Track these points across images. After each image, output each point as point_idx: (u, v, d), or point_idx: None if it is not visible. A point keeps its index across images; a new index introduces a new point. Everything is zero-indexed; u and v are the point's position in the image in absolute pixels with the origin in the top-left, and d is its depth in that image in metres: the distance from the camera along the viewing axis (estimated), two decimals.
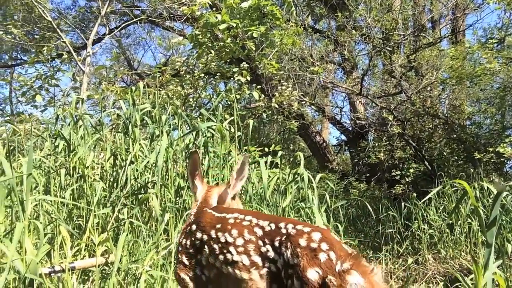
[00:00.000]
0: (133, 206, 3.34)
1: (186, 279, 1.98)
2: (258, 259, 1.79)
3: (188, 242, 2.03)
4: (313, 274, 1.63)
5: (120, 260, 2.75)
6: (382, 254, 6.39)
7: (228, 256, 1.83)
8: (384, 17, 9.45)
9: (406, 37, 9.99)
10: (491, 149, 7.18)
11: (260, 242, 1.81)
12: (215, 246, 1.89)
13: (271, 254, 1.77)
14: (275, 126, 14.74)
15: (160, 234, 3.15)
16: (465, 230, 6.06)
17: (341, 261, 1.63)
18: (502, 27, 8.88)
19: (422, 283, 5.60)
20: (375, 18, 9.44)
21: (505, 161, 8.03)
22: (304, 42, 10.75)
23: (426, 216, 6.64)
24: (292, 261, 1.68)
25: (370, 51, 10.02)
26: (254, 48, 7.77)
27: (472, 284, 2.40)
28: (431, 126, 10.05)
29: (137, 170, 3.55)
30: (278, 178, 4.14)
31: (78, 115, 3.93)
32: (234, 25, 6.86)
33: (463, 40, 10.90)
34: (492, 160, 7.26)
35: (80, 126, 3.90)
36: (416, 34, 10.20)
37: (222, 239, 1.88)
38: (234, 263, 1.81)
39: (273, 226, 1.84)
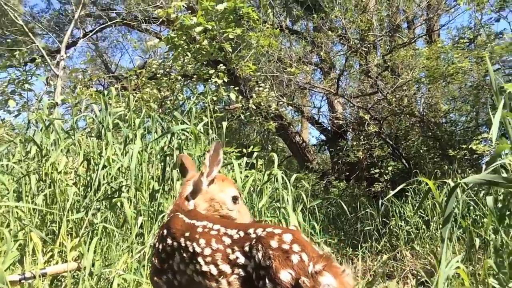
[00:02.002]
0: (106, 210, 3.32)
1: (159, 283, 1.98)
2: (226, 268, 1.79)
3: (161, 247, 2.02)
4: (286, 276, 1.63)
5: (93, 265, 2.73)
6: (361, 251, 6.46)
7: (197, 266, 1.83)
8: (359, 18, 9.57)
9: (381, 37, 10.13)
10: (464, 146, 7.33)
11: (229, 250, 1.81)
12: (185, 255, 1.89)
13: (241, 260, 1.77)
14: (255, 127, 14.77)
15: (134, 238, 3.13)
16: (440, 226, 6.16)
17: (314, 263, 1.64)
18: (475, 26, 9.10)
19: (399, 279, 5.68)
20: (350, 19, 9.56)
21: (480, 158, 8.21)
22: (281, 43, 10.82)
23: (403, 213, 6.74)
24: (264, 263, 1.69)
25: (346, 52, 10.14)
26: (230, 50, 7.78)
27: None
28: (407, 124, 10.22)
29: (110, 174, 3.52)
30: (253, 179, 4.15)
31: (50, 120, 3.88)
32: (210, 27, 6.86)
33: (438, 40, 11.11)
34: (467, 157, 7.42)
35: (52, 131, 3.84)
36: (391, 34, 10.36)
37: (191, 249, 1.87)
38: (203, 273, 1.82)
39: (241, 233, 1.84)
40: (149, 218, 3.39)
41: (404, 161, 9.79)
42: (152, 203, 3.52)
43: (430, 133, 9.26)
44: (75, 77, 8.56)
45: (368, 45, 9.95)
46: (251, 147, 6.82)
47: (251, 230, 1.83)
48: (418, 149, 9.98)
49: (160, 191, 3.57)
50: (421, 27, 11.77)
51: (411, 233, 6.41)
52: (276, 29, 8.74)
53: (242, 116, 8.60)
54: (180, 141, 3.89)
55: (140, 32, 13.40)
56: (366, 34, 9.37)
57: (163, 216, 3.54)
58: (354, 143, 11.12)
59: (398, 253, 6.33)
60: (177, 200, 2.27)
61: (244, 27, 7.74)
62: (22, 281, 2.45)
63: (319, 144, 13.85)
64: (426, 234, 6.30)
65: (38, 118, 4.05)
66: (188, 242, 1.90)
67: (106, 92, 4.51)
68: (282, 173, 3.74)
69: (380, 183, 10.13)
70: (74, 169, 3.81)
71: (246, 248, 1.78)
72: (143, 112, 4.10)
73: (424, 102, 10.45)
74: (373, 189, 10.03)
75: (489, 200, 2.76)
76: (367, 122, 9.63)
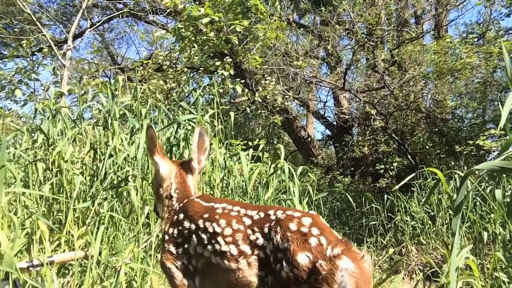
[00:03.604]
0: (113, 199, 3.31)
1: (172, 268, 1.96)
2: (246, 248, 1.78)
3: (176, 231, 2.00)
4: (303, 258, 1.62)
5: (100, 253, 2.73)
6: (366, 246, 6.46)
7: (216, 246, 1.83)
8: (368, 12, 9.49)
9: (389, 32, 10.05)
10: (471, 142, 7.28)
11: (249, 231, 1.81)
12: (203, 236, 1.88)
13: (260, 241, 1.77)
14: (260, 121, 14.74)
15: (140, 227, 3.12)
16: (446, 222, 6.14)
17: (332, 246, 1.62)
18: (483, 22, 9.00)
19: (405, 274, 5.67)
20: (358, 13, 9.48)
21: (487, 154, 8.16)
22: (288, 37, 10.76)
23: (409, 208, 6.72)
24: (282, 246, 1.68)
25: (353, 46, 10.07)
26: (237, 42, 7.74)
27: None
28: (413, 120, 10.16)
29: (116, 163, 3.51)
30: (260, 171, 4.14)
31: (57, 109, 3.87)
32: (217, 19, 6.82)
33: (445, 35, 11.01)
34: (473, 153, 7.37)
35: (59, 120, 3.84)
36: (399, 29, 10.27)
37: (210, 229, 1.87)
38: (222, 253, 1.81)
39: (262, 214, 1.84)
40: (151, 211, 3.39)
41: (410, 157, 9.74)
42: None
43: (436, 129, 9.19)
44: (81, 68, 8.56)
45: (376, 40, 9.88)
46: (257, 140, 6.81)
47: (271, 212, 1.83)
48: (424, 145, 9.93)
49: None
50: (429, 22, 11.67)
51: (417, 228, 6.39)
52: (283, 22, 8.67)
53: (248, 110, 8.57)
54: (186, 131, 3.87)
55: (146, 24, 13.38)
56: (374, 28, 9.29)
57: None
58: (360, 138, 11.08)
59: (403, 248, 6.32)
60: (179, 186, 2.24)
61: (251, 19, 7.69)
62: (30, 268, 2.45)
63: (324, 139, 13.81)
64: (432, 229, 6.28)
65: (45, 106, 4.04)
66: (207, 223, 1.90)
67: (112, 81, 4.49)
68: (288, 165, 3.72)
69: (385, 179, 10.09)
70: (80, 159, 3.80)
71: (266, 230, 1.77)
72: (150, 102, 4.08)
73: (431, 98, 10.38)
74: (378, 185, 10.00)
75: (498, 193, 2.73)
76: (373, 117, 9.58)
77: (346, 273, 1.53)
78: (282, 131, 13.27)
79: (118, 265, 2.82)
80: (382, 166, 10.32)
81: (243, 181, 3.77)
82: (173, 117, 4.46)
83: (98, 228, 3.08)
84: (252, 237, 1.79)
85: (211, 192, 3.76)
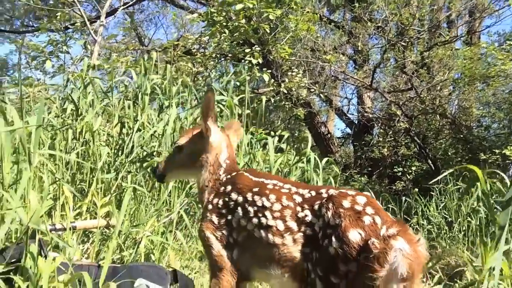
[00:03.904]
0: (137, 173, 3.34)
1: (211, 238, 1.94)
2: (293, 224, 1.77)
3: (221, 202, 1.99)
4: (354, 235, 1.60)
5: (122, 224, 2.76)
6: None
7: (263, 220, 1.82)
8: (402, 11, 9.34)
9: (422, 33, 9.87)
10: (497, 151, 7.14)
11: (298, 208, 1.80)
12: (250, 208, 1.87)
13: (309, 218, 1.76)
14: (281, 114, 14.68)
15: (163, 203, 3.15)
16: (463, 228, 6.05)
17: (387, 226, 1.59)
18: None
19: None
20: (392, 12, 9.34)
21: (509, 164, 8.00)
22: (318, 31, 10.65)
23: (426, 211, 6.63)
24: (333, 222, 1.66)
25: (384, 44, 9.92)
26: (268, 31, 7.70)
27: (478, 267, 2.39)
28: (438, 125, 10.01)
29: (143, 138, 3.54)
30: (282, 161, 4.13)
31: (90, 78, 3.90)
32: (251, 5, 6.79)
33: (478, 42, 10.78)
34: (497, 162, 7.24)
35: (89, 92, 3.88)
36: (432, 31, 10.08)
37: (259, 203, 1.86)
38: (268, 227, 1.80)
39: (313, 193, 1.83)
40: (177, 187, 3.41)
41: (430, 162, 9.61)
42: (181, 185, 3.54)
43: (461, 136, 9.04)
44: (110, 45, 8.64)
45: (408, 40, 9.72)
46: (279, 131, 6.79)
47: (323, 190, 1.82)
48: (446, 151, 9.78)
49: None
50: (461, 27, 11.43)
51: (432, 232, 6.31)
52: (315, 14, 8.59)
53: (272, 100, 8.55)
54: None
55: (176, 8, 13.40)
56: (408, 28, 9.13)
57: (191, 185, 3.56)
58: (381, 139, 10.97)
59: None
60: (230, 157, 2.21)
61: (284, 9, 7.63)
62: (52, 231, 2.49)
63: (344, 137, 13.71)
64: (448, 235, 6.19)
65: (78, 77, 4.08)
66: (256, 197, 1.88)
67: (146, 57, 4.52)
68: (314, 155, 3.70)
69: (402, 182, 9.99)
70: (107, 131, 3.84)
71: (316, 207, 1.76)
72: (180, 81, 4.10)
73: (457, 104, 10.21)
74: (394, 187, 9.91)
75: None
76: (398, 118, 9.47)
77: (400, 253, 1.48)
78: (302, 124, 13.20)
79: (138, 237, 2.85)
80: (400, 169, 10.22)
81: (265, 168, 3.77)
82: (199, 97, 4.47)
83: (119, 201, 3.12)
84: (301, 214, 1.78)
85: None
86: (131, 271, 2.38)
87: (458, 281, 5.04)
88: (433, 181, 2.70)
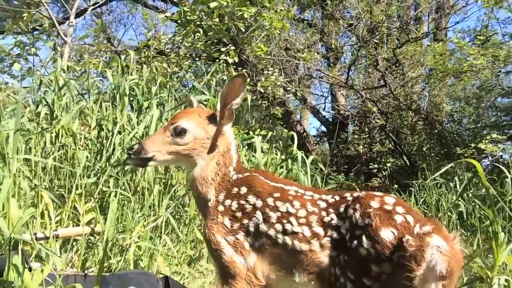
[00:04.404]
0: (118, 177, 3.20)
1: (222, 243, 1.80)
2: (319, 230, 1.70)
3: (235, 204, 1.85)
4: (387, 234, 1.53)
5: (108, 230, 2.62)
6: None
7: (287, 226, 1.73)
8: (374, 8, 9.44)
9: (394, 30, 10.01)
10: (472, 145, 7.29)
11: (324, 213, 1.73)
12: (272, 214, 1.76)
13: (335, 221, 1.69)
14: (255, 114, 14.64)
15: (149, 207, 3.03)
16: (444, 223, 6.13)
17: (420, 224, 1.53)
18: (487, 26, 9.00)
19: None
20: (364, 8, 9.42)
21: (482, 158, 8.19)
22: (290, 30, 10.65)
23: None
24: (362, 222, 1.59)
25: (358, 42, 10.01)
26: (243, 30, 7.62)
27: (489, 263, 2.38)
28: (411, 121, 10.17)
29: (124, 141, 3.39)
30: (266, 161, 4.06)
31: (65, 80, 3.72)
32: (225, 3, 6.70)
33: (445, 39, 11.02)
34: (473, 156, 7.39)
35: (64, 94, 3.70)
36: (404, 27, 10.24)
37: (283, 209, 1.76)
38: (293, 234, 1.71)
39: (337, 197, 1.77)
40: (163, 188, 3.29)
41: (405, 158, 9.75)
42: (166, 174, 3.42)
43: (435, 131, 9.21)
44: (80, 46, 8.38)
45: (380, 37, 9.83)
46: (258, 130, 6.72)
47: (347, 194, 1.76)
48: (421, 146, 9.95)
49: (172, 167, 3.45)
50: (429, 24, 11.67)
51: None
52: (289, 12, 8.57)
53: (249, 98, 8.47)
54: None
55: (146, 9, 13.15)
56: (380, 25, 9.23)
57: (176, 188, 3.44)
58: (356, 136, 11.08)
59: None
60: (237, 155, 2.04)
61: (258, 7, 7.57)
62: (35, 241, 2.34)
63: (320, 135, 13.77)
64: None
65: (51, 79, 3.89)
66: (279, 202, 1.78)
67: (122, 57, 4.36)
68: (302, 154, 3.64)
69: (378, 179, 10.11)
70: (83, 135, 3.67)
71: (341, 209, 1.69)
72: (159, 81, 3.96)
73: (429, 100, 10.40)
74: (370, 184, 10.01)
75: None
76: (373, 115, 9.58)
77: (437, 250, 1.42)
78: (277, 124, 13.19)
79: (125, 244, 2.72)
80: (376, 166, 10.35)
81: (251, 168, 3.68)
82: (179, 97, 4.35)
83: (102, 206, 2.98)
84: (327, 219, 1.71)
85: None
86: (120, 280, 2.26)
87: None
88: (445, 168, 2.66)
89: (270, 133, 4.31)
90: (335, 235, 1.67)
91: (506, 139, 7.35)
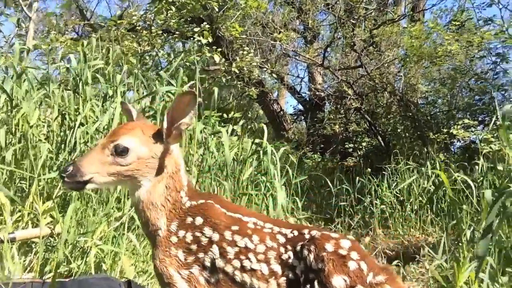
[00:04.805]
0: None
1: (175, 277, 1.68)
2: (277, 268, 1.62)
3: (190, 236, 1.70)
4: (339, 281, 1.49)
5: (68, 231, 2.51)
6: (334, 226, 6.48)
7: (246, 263, 1.63)
8: None
9: (371, 11, 9.90)
10: (445, 130, 7.36)
11: (282, 249, 1.64)
12: (230, 249, 1.66)
13: (292, 260, 1.61)
14: (233, 91, 14.48)
15: (112, 206, 2.92)
16: (415, 208, 6.22)
17: (374, 273, 1.50)
18: (463, 10, 8.98)
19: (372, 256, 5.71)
20: None
21: (453, 141, 8.31)
22: (266, 9, 10.44)
23: (379, 192, 6.76)
24: (316, 266, 1.54)
25: (335, 22, 9.89)
26: (217, 9, 7.41)
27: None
28: (386, 102, 10.20)
29: (87, 133, 3.25)
30: (238, 149, 3.97)
31: (22, 68, 3.51)
32: None
33: (422, 19, 11.00)
34: (445, 141, 7.49)
35: (24, 80, 3.50)
36: (380, 9, 10.15)
37: (241, 243, 1.66)
38: (252, 271, 1.62)
39: (296, 232, 1.67)
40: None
41: (380, 138, 9.83)
42: None
43: (409, 113, 9.26)
44: (48, 21, 8.01)
45: (358, 18, 9.73)
46: (232, 112, 6.60)
47: (305, 231, 1.66)
48: (395, 128, 10.02)
49: None
50: (407, 6, 11.61)
51: (385, 212, 6.45)
52: None
53: (224, 80, 8.32)
54: (164, 102, 3.63)
55: None
56: (358, 5, 9.12)
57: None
58: (332, 116, 11.07)
59: (371, 230, 6.38)
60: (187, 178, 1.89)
61: None
62: None
63: (297, 114, 13.74)
64: (400, 214, 6.36)
65: (8, 64, 3.67)
66: (237, 236, 1.67)
67: (84, 42, 4.15)
68: (271, 147, 3.57)
69: (353, 158, 10.18)
70: (47, 123, 3.50)
71: (298, 248, 1.61)
72: (124, 68, 3.78)
73: (404, 81, 10.43)
74: (345, 163, 10.08)
75: (488, 193, 2.66)
76: (349, 97, 9.56)
77: None
78: (254, 102, 13.08)
79: (87, 246, 2.62)
80: (351, 145, 10.41)
81: (221, 159, 3.61)
82: (147, 84, 4.19)
83: (64, 201, 2.86)
84: (284, 256, 1.62)
85: (187, 168, 3.57)
86: (80, 286, 2.17)
87: (411, 261, 5.20)
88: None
89: (241, 122, 4.20)
90: (291, 275, 1.60)
91: (478, 124, 7.44)
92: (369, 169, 7.23)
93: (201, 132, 3.92)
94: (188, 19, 7.87)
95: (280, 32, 8.95)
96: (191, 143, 3.62)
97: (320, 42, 11.70)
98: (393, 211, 6.37)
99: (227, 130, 3.80)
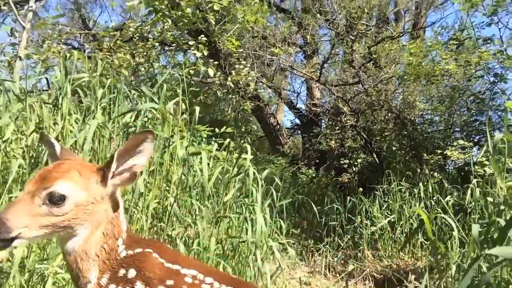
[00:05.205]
0: None
1: None
2: None
3: None
4: None
5: (28, 257, 2.39)
6: (322, 246, 6.37)
7: None
8: (350, 4, 9.29)
9: (370, 28, 9.89)
10: (439, 152, 7.26)
11: None
12: None
13: None
14: (231, 103, 14.46)
15: None
16: (405, 230, 6.11)
17: None
18: (463, 29, 8.94)
19: (357, 279, 5.61)
20: (341, 4, 9.26)
21: (448, 161, 8.20)
22: (268, 20, 10.44)
23: (370, 212, 6.65)
24: None
25: (333, 38, 9.87)
26: (214, 22, 7.37)
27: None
28: (383, 119, 10.13)
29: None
30: (222, 168, 3.88)
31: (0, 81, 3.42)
32: None
33: (423, 36, 10.97)
34: (439, 163, 7.39)
35: (1, 92, 3.40)
36: (380, 25, 10.13)
37: None
38: None
39: None
40: None
41: (375, 156, 9.74)
42: None
43: (405, 132, 9.18)
44: (44, 32, 7.96)
45: (356, 34, 9.71)
46: (224, 127, 6.52)
47: None
48: (390, 145, 9.93)
49: None
50: (408, 22, 11.60)
51: (375, 233, 6.33)
52: (263, 5, 8.33)
53: (219, 93, 8.26)
54: (146, 119, 3.55)
55: None
56: (356, 22, 9.09)
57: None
58: (328, 132, 11.01)
59: (359, 252, 6.26)
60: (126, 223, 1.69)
61: None
62: None
63: (294, 128, 13.69)
64: (390, 236, 6.24)
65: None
66: None
67: (67, 55, 4.07)
68: (254, 168, 3.47)
69: (348, 174, 10.08)
70: (23, 138, 3.41)
71: None
72: (108, 82, 3.70)
73: (402, 99, 10.36)
74: (340, 179, 9.98)
75: (475, 228, 2.56)
76: (344, 114, 9.51)
77: None
78: (251, 115, 13.04)
79: (46, 273, 2.50)
80: (347, 161, 10.32)
81: (201, 179, 3.50)
82: (133, 98, 4.11)
83: None
84: None
85: (167, 188, 3.47)
86: None
87: (399, 284, 5.08)
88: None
89: (228, 140, 4.10)
90: None
91: (473, 145, 7.34)
92: (361, 189, 7.13)
93: (186, 149, 3.83)
94: (185, 32, 7.83)
95: (277, 47, 8.91)
96: (172, 160, 3.53)
97: (319, 57, 11.68)
98: (383, 232, 6.25)
99: (218, 146, 3.71)
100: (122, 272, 1.54)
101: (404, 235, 6.06)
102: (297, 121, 13.03)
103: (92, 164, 1.77)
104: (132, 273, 1.53)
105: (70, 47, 8.46)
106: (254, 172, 3.41)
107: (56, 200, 1.47)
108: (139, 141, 1.56)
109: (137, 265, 1.55)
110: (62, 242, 1.58)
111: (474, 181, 4.67)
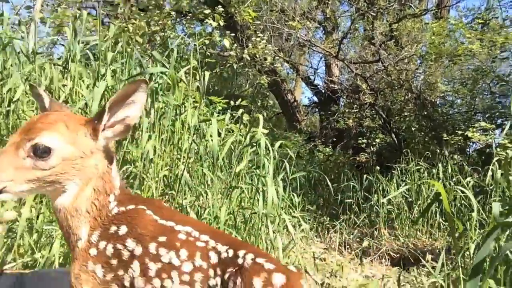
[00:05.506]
0: None
1: None
2: None
3: (111, 249, 1.44)
4: None
5: (37, 218, 2.33)
6: (338, 223, 6.27)
7: (167, 283, 1.36)
8: None
9: (392, 4, 9.53)
10: (460, 133, 7.03)
11: (211, 272, 1.37)
12: (152, 265, 1.39)
13: None
14: (248, 78, 14.28)
15: None
16: (423, 209, 5.96)
17: None
18: (489, 9, 8.55)
19: (373, 258, 5.50)
20: None
21: (469, 143, 7.97)
22: None
23: (387, 191, 6.51)
24: None
25: (353, 13, 9.55)
26: None
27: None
28: (403, 99, 9.87)
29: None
30: (235, 139, 3.76)
31: (8, 38, 3.31)
32: None
33: (447, 16, 10.56)
34: (459, 144, 7.16)
35: (12, 53, 3.32)
36: (402, 2, 9.77)
37: (165, 259, 1.39)
38: None
39: (231, 252, 1.38)
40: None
41: (394, 136, 9.53)
42: (119, 149, 3.11)
43: (425, 112, 8.92)
44: None
45: (378, 10, 9.37)
46: (240, 99, 6.39)
47: (241, 253, 1.37)
48: (410, 126, 9.70)
49: (128, 137, 3.14)
50: (432, 0, 11.19)
51: (392, 212, 6.20)
52: None
53: (235, 66, 8.09)
54: (157, 84, 3.43)
55: None
56: None
57: (128, 174, 3.13)
58: (346, 110, 10.80)
59: (376, 230, 6.15)
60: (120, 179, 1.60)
61: None
62: None
63: (311, 105, 13.49)
64: (407, 216, 6.11)
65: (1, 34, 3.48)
66: (162, 250, 1.39)
67: (77, 15, 3.96)
68: (266, 138, 3.34)
69: (366, 154, 9.91)
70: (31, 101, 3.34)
71: (226, 276, 1.33)
72: (119, 46, 3.58)
73: (423, 79, 10.06)
74: (357, 159, 9.84)
75: (496, 206, 2.41)
76: (363, 91, 9.27)
77: None
78: (269, 92, 12.87)
79: (55, 234, 2.44)
80: (365, 141, 10.14)
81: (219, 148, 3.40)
82: (146, 65, 3.99)
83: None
84: (212, 282, 1.35)
85: (178, 156, 3.37)
86: (40, 280, 1.97)
87: (416, 264, 4.96)
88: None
89: (241, 110, 3.98)
90: None
91: (495, 128, 7.08)
92: (378, 167, 6.96)
93: (198, 117, 3.72)
94: (201, 1, 7.65)
95: (296, 20, 8.66)
96: (183, 128, 3.42)
97: (339, 34, 11.38)
98: (400, 212, 6.11)
99: (223, 119, 3.59)
100: (113, 229, 1.46)
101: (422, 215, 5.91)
102: (315, 98, 12.82)
103: (81, 116, 1.66)
104: (123, 229, 1.45)
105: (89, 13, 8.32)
106: (266, 143, 3.28)
107: (40, 152, 1.38)
108: (131, 91, 1.46)
109: (128, 221, 1.46)
110: (53, 198, 1.50)
111: (496, 162, 4.47)
